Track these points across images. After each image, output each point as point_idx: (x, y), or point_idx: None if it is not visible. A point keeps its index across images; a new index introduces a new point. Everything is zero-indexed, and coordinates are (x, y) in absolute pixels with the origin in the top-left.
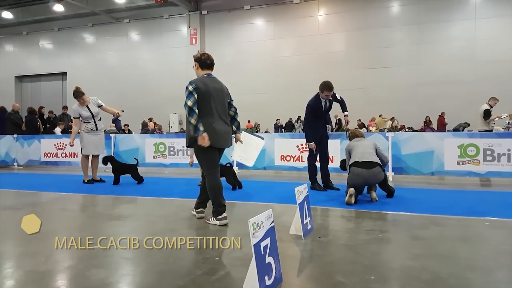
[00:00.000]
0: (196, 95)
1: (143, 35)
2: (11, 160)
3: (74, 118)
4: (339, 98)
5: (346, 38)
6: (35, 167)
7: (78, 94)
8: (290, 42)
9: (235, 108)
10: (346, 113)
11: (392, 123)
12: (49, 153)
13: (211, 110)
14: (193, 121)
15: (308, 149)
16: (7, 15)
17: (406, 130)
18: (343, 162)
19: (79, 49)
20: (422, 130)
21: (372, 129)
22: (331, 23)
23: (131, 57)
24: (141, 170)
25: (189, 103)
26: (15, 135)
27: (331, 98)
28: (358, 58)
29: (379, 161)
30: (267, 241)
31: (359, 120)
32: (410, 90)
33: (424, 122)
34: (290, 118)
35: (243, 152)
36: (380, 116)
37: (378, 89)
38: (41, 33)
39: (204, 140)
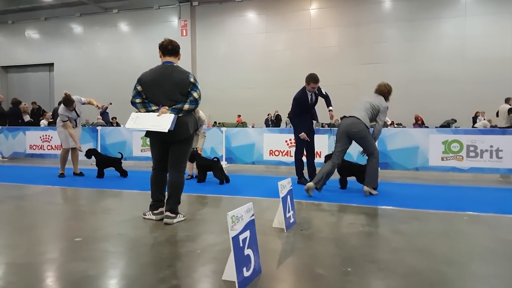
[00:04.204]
0: (139, 87)
1: (133, 26)
2: None
3: (64, 121)
4: (324, 93)
5: (338, 33)
6: (20, 159)
7: (69, 102)
8: (282, 36)
9: (192, 98)
10: (330, 108)
11: None
12: (34, 145)
13: (154, 100)
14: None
15: (295, 144)
16: None
17: (395, 126)
18: (327, 158)
19: (67, 40)
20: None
21: None
22: (323, 17)
23: (120, 48)
24: (129, 163)
25: (131, 97)
26: None
27: (316, 92)
28: (350, 53)
29: (362, 118)
30: (246, 234)
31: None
32: (401, 86)
33: (415, 120)
34: (276, 111)
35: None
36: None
37: (370, 85)
38: (27, 22)
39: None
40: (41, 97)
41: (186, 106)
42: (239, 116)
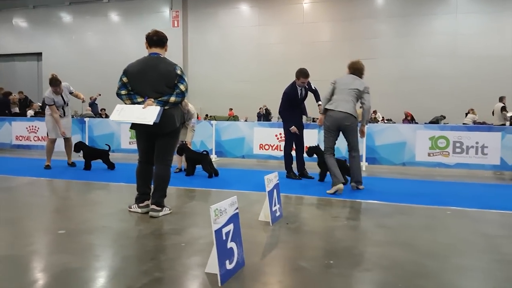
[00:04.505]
0: (125, 79)
1: (123, 16)
2: None
3: (49, 105)
4: (314, 88)
5: (331, 28)
6: (6, 150)
7: (56, 82)
8: (275, 29)
9: (179, 90)
10: (319, 102)
11: (372, 115)
12: (20, 136)
13: (140, 91)
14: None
15: (284, 138)
16: None
17: (385, 122)
18: (311, 149)
19: (56, 29)
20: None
21: None
22: (316, 11)
23: (110, 38)
24: (117, 156)
25: (117, 88)
26: None
27: (306, 86)
28: (342, 48)
29: (353, 112)
30: (230, 227)
31: None
32: (392, 82)
33: (405, 116)
34: (264, 105)
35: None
36: (361, 107)
37: None
38: (15, 10)
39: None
40: (29, 87)
41: (173, 99)
42: (231, 109)
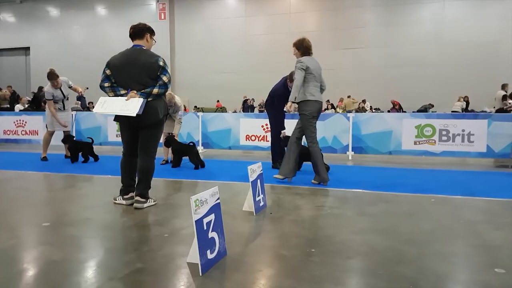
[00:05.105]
0: (108, 71)
1: (110, 9)
2: None
3: (47, 100)
4: None
5: (317, 17)
6: None
7: (53, 76)
8: (261, 20)
9: (162, 82)
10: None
11: (360, 105)
12: (8, 130)
13: (123, 84)
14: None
15: (271, 131)
16: None
17: (373, 111)
18: (286, 140)
19: (43, 23)
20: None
21: (339, 110)
22: (302, 2)
23: (97, 32)
24: (105, 148)
25: (100, 81)
26: None
27: None
28: (329, 38)
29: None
30: (211, 217)
31: (328, 101)
32: (379, 71)
33: (393, 105)
34: (244, 96)
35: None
36: (348, 97)
37: (348, 70)
38: (2, 5)
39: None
40: (17, 81)
41: (155, 90)
42: (218, 101)
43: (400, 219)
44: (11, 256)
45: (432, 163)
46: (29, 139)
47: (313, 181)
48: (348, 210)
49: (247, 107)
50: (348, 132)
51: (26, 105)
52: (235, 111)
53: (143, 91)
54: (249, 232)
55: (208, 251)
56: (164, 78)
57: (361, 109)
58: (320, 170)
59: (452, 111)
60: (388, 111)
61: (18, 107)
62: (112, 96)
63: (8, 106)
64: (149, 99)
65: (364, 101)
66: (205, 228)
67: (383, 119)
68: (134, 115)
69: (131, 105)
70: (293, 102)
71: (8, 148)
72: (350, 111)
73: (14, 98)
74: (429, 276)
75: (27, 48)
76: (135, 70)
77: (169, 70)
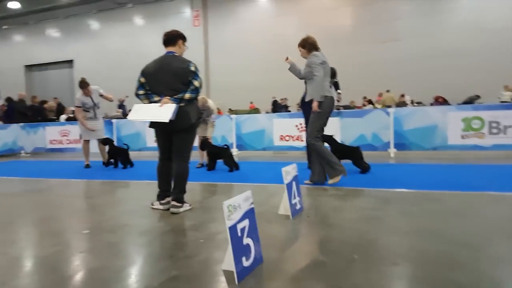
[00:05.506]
0: (142, 79)
1: (147, 19)
2: (17, 148)
3: (76, 106)
4: (335, 80)
5: (352, 12)
6: (42, 154)
7: (84, 84)
8: (293, 18)
9: (193, 86)
10: (339, 91)
11: (400, 99)
12: (54, 140)
13: (156, 90)
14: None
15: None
16: (14, 5)
17: (415, 105)
18: (325, 138)
19: (85, 36)
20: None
21: (378, 106)
22: None
23: (135, 42)
24: (144, 154)
25: (135, 89)
26: (21, 124)
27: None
28: (364, 32)
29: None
30: (245, 222)
31: (365, 97)
32: (418, 63)
33: (435, 99)
34: (273, 97)
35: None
36: (387, 91)
37: (385, 64)
38: (48, 21)
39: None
40: (62, 93)
41: (187, 95)
42: (251, 103)
43: (450, 219)
44: (53, 263)
45: (482, 157)
46: (73, 148)
47: (306, 181)
48: (391, 212)
49: (280, 107)
50: (389, 128)
51: (70, 115)
52: (267, 112)
53: (175, 96)
54: (286, 237)
55: (244, 258)
56: (196, 83)
57: (402, 104)
58: (315, 168)
59: (501, 102)
60: (431, 105)
61: (63, 117)
62: (146, 103)
63: (56, 117)
64: (181, 104)
65: (403, 95)
66: (239, 234)
67: (426, 113)
68: (167, 120)
69: (164, 111)
70: (310, 101)
71: (55, 157)
72: (389, 106)
73: (60, 110)
74: (486, 283)
75: (71, 61)
76: (167, 76)
77: (200, 75)
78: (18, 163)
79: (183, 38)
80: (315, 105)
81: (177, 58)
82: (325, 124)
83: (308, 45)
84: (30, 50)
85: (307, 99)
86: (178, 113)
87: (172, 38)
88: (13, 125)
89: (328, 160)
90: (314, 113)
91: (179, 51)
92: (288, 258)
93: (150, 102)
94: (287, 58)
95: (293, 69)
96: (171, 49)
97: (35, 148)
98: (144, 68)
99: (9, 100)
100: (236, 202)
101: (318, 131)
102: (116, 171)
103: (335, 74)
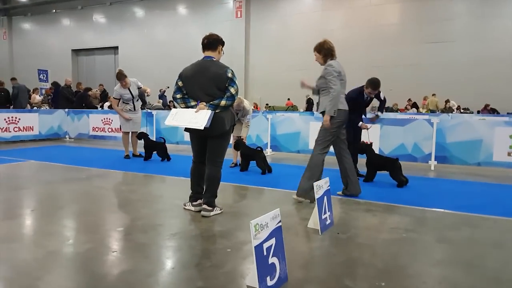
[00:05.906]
0: (180, 83)
1: (190, 9)
2: (63, 133)
3: (114, 98)
4: (382, 98)
5: (400, 9)
6: (84, 140)
7: (121, 76)
8: (338, 14)
9: (230, 93)
10: (379, 113)
11: (446, 105)
12: (97, 127)
13: (193, 95)
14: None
15: None
16: None
17: (462, 111)
18: (363, 146)
19: (130, 24)
20: (479, 113)
21: (422, 110)
22: None
23: (178, 31)
24: (181, 147)
25: (173, 92)
26: (66, 110)
27: (373, 96)
28: (412, 32)
29: None
30: (272, 241)
31: (409, 99)
32: (469, 68)
33: (484, 107)
34: (307, 95)
35: (193, 118)
36: (433, 95)
37: (433, 66)
38: (95, 7)
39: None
40: (108, 79)
41: (223, 102)
42: (289, 99)
43: (488, 250)
44: (86, 261)
45: None
46: (114, 136)
47: (339, 192)
48: (426, 235)
49: (313, 106)
50: (431, 139)
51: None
52: (304, 110)
53: (211, 103)
54: (313, 255)
55: (268, 278)
56: (232, 90)
57: (448, 109)
58: (303, 183)
59: None
60: (478, 112)
61: (106, 104)
62: (183, 108)
63: (101, 104)
64: (216, 111)
65: (448, 101)
66: (265, 253)
67: (471, 126)
68: (202, 128)
69: (199, 117)
70: (322, 113)
71: (97, 144)
72: (433, 111)
73: (105, 96)
74: None
75: (116, 48)
76: (204, 81)
77: (237, 82)
78: (62, 148)
79: (222, 43)
80: (326, 119)
81: (215, 63)
82: (333, 138)
83: (324, 51)
84: (77, 35)
85: (319, 111)
86: (213, 119)
87: (213, 43)
88: (58, 110)
89: (311, 176)
90: (323, 127)
91: (217, 56)
92: (313, 279)
93: (187, 107)
94: (303, 84)
95: (314, 91)
96: (210, 53)
97: (78, 134)
98: (183, 71)
99: (55, 84)
100: (264, 221)
101: (323, 148)
102: (153, 164)
103: (378, 85)
